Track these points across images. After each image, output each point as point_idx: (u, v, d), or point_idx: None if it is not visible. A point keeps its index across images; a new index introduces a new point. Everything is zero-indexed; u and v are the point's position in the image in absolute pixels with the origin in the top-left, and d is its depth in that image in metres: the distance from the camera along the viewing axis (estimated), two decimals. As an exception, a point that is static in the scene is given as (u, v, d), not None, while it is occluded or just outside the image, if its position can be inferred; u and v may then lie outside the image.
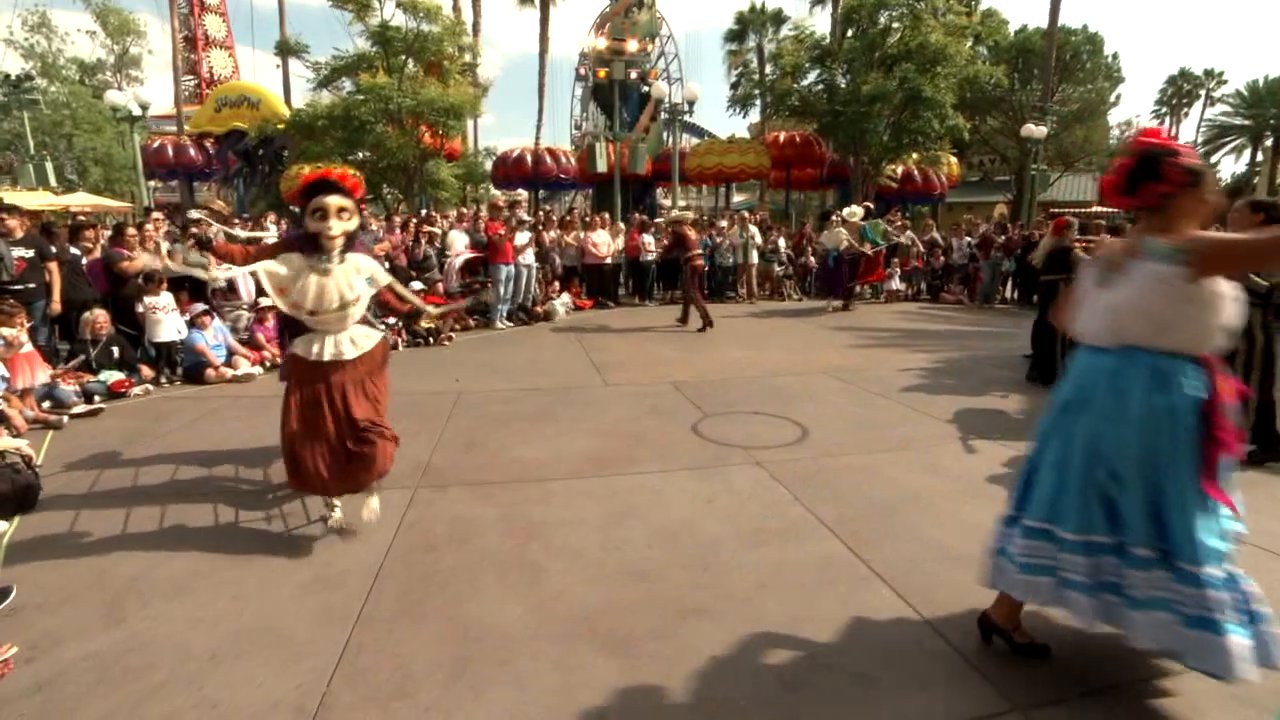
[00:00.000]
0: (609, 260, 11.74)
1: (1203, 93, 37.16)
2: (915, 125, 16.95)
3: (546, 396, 5.99)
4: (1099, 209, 25.94)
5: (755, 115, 24.95)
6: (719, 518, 3.54)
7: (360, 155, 16.87)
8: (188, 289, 7.57)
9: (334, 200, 3.15)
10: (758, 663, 2.39)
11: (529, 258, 10.19)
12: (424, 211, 14.86)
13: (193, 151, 20.88)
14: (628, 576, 2.98)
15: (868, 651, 2.44)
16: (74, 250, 7.09)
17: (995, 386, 6.23)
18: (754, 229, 12.52)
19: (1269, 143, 33.55)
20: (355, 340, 3.32)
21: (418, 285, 9.00)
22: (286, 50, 22.34)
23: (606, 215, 13.15)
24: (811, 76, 19.24)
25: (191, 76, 31.53)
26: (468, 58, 18.39)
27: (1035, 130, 18.15)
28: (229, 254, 3.25)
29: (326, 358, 3.21)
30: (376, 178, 17.17)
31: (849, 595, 2.82)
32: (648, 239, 11.95)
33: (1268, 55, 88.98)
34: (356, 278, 3.25)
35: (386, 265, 9.05)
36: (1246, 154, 36.00)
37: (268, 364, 7.15)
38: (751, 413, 5.41)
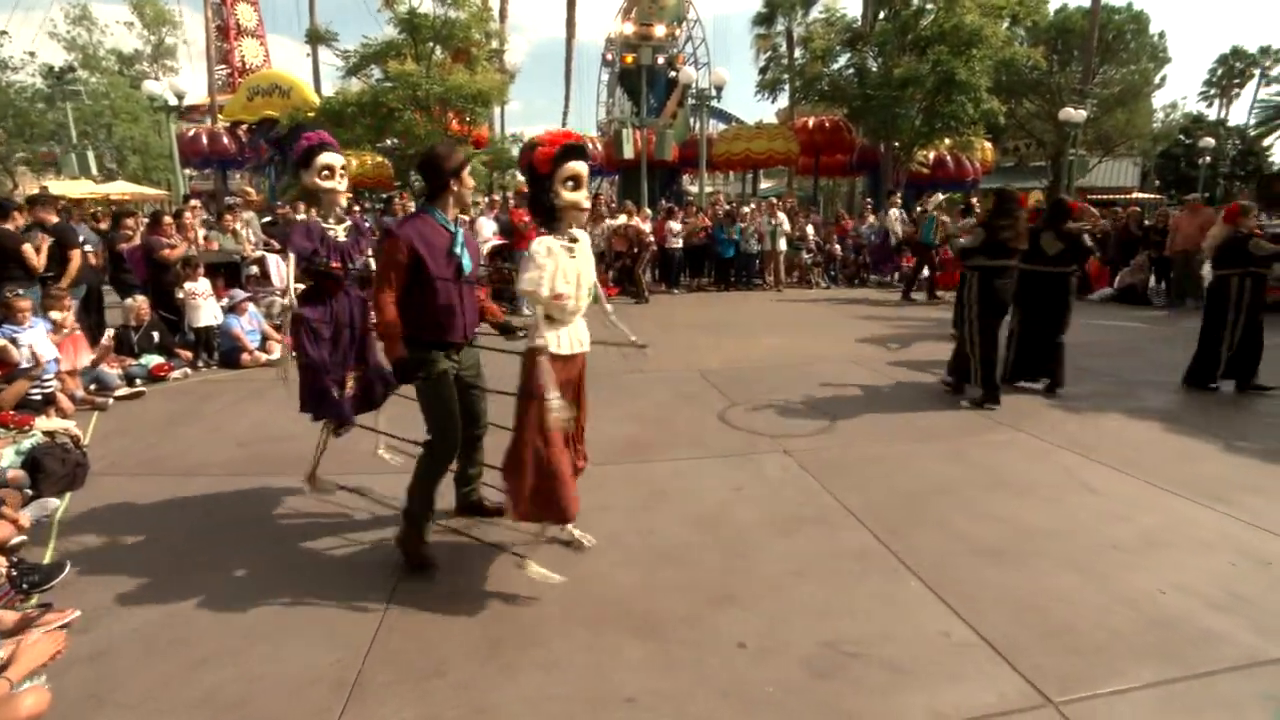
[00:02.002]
0: (635, 248, 11.71)
1: (1257, 72, 35.54)
2: (948, 109, 16.52)
3: (573, 383, 6.01)
4: (1139, 195, 25.18)
5: (784, 100, 24.56)
6: (749, 505, 3.54)
7: (389, 142, 17.01)
8: (224, 275, 7.74)
9: (584, 166, 2.70)
10: (787, 650, 2.40)
11: (556, 245, 10.20)
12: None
13: (226, 140, 21.25)
14: (659, 561, 3.01)
15: (897, 642, 2.44)
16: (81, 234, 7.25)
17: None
18: (782, 216, 12.39)
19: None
20: (583, 325, 2.87)
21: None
22: (316, 38, 22.50)
23: (630, 203, 13.10)
24: (842, 60, 18.83)
25: (224, 66, 31.95)
26: (494, 44, 18.39)
27: (1074, 114, 17.64)
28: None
29: (578, 349, 2.79)
30: (405, 165, 17.34)
31: (878, 585, 2.81)
32: (675, 226, 11.90)
33: None
34: (591, 254, 2.87)
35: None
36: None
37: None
38: (779, 400, 5.38)
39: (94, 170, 16.69)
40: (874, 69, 17.79)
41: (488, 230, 10.23)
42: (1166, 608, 2.62)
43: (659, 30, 21.61)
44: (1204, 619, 2.54)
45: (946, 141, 18.82)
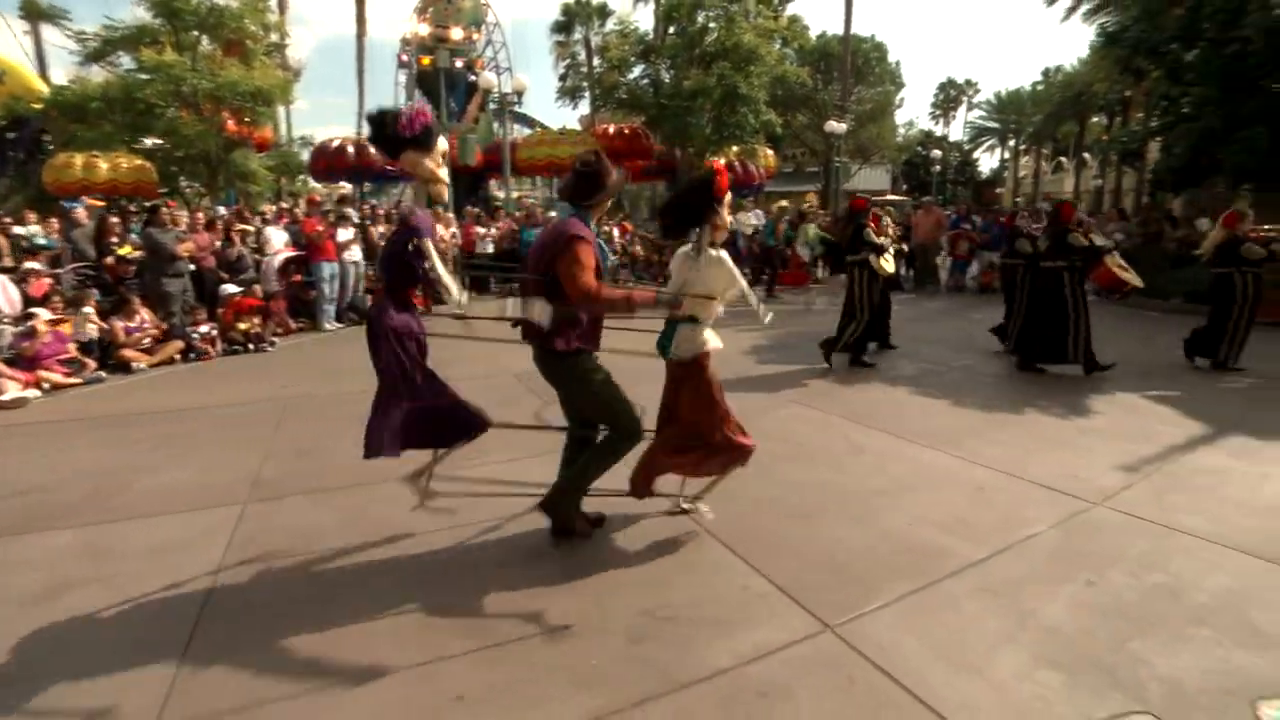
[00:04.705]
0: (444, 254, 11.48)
1: (964, 99, 43.23)
2: (734, 120, 18.09)
3: (386, 397, 5.81)
4: (891, 196, 29.29)
5: (585, 107, 25.25)
6: (568, 499, 3.69)
7: (149, 143, 14.91)
8: (-74, 302, 6.37)
9: None
10: (608, 625, 2.58)
11: (355, 254, 9.68)
12: (233, 207, 13.48)
13: (-87, 135, 17.20)
14: (482, 563, 3.07)
15: (705, 601, 2.73)
16: None
17: (814, 358, 6.93)
18: (590, 220, 12.79)
19: (1012, 143, 40.11)
20: None
21: (232, 289, 8.27)
22: (36, 13, 18.99)
23: (440, 208, 12.75)
24: (637, 71, 19.84)
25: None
26: (274, 37, 16.84)
27: (836, 126, 20.13)
28: None
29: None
30: (172, 169, 15.28)
31: (687, 554, 3.11)
32: (481, 230, 11.81)
33: (1010, 68, 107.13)
34: None
35: (192, 268, 8.23)
36: (998, 152, 42.74)
37: (46, 386, 6.23)
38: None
39: None
40: (666, 80, 18.95)
41: (278, 241, 9.43)
42: (912, 536, 3.20)
43: (456, 33, 21.12)
44: (937, 539, 3.15)
45: (734, 149, 20.52)
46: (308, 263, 9.32)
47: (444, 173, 2.96)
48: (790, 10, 24.42)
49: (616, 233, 13.88)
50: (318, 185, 20.47)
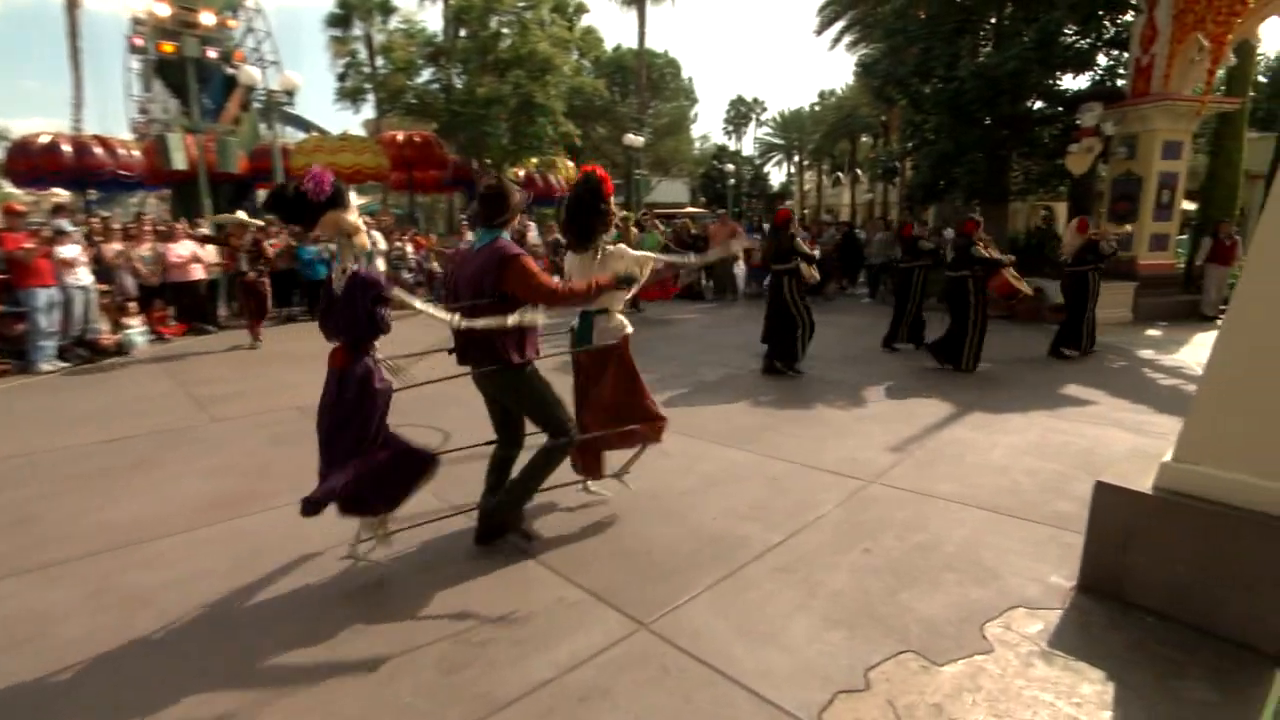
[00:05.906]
0: (204, 276, 10.08)
1: (754, 116, 47.29)
2: (531, 130, 18.09)
3: (137, 445, 4.96)
4: (690, 209, 31.25)
5: (370, 111, 23.67)
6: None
7: None
8: None
9: None
10: (418, 659, 2.44)
11: (82, 277, 8.12)
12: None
13: None
14: (269, 617, 2.74)
15: (521, 619, 2.68)
16: None
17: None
18: (377, 235, 11.98)
19: (796, 159, 44.72)
20: None
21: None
22: None
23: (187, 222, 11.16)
24: (426, 74, 19.04)
25: None
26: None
27: (635, 139, 20.95)
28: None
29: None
30: None
31: (500, 576, 3.03)
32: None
33: (793, 89, 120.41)
34: None
35: None
36: (785, 166, 47.28)
37: None
38: (394, 425, 5.26)
39: None
40: (459, 86, 18.43)
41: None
42: (716, 528, 3.41)
43: (206, 18, 18.32)
44: (739, 529, 3.39)
45: (533, 160, 20.47)
46: (11, 289, 7.65)
47: (361, 221, 2.87)
48: (585, 21, 24.96)
49: (410, 249, 13.14)
50: (18, 191, 16.86)
